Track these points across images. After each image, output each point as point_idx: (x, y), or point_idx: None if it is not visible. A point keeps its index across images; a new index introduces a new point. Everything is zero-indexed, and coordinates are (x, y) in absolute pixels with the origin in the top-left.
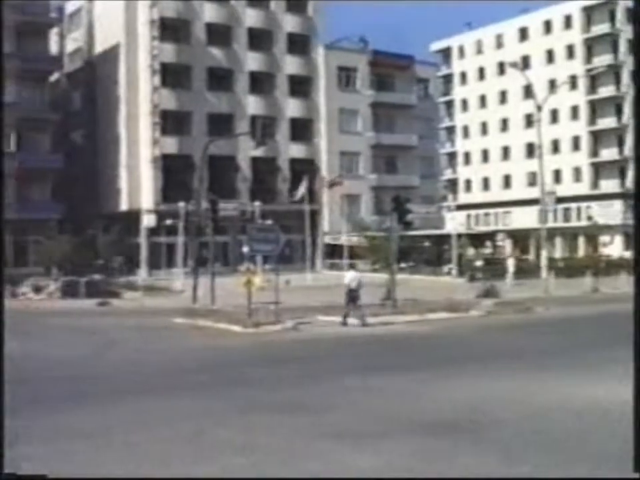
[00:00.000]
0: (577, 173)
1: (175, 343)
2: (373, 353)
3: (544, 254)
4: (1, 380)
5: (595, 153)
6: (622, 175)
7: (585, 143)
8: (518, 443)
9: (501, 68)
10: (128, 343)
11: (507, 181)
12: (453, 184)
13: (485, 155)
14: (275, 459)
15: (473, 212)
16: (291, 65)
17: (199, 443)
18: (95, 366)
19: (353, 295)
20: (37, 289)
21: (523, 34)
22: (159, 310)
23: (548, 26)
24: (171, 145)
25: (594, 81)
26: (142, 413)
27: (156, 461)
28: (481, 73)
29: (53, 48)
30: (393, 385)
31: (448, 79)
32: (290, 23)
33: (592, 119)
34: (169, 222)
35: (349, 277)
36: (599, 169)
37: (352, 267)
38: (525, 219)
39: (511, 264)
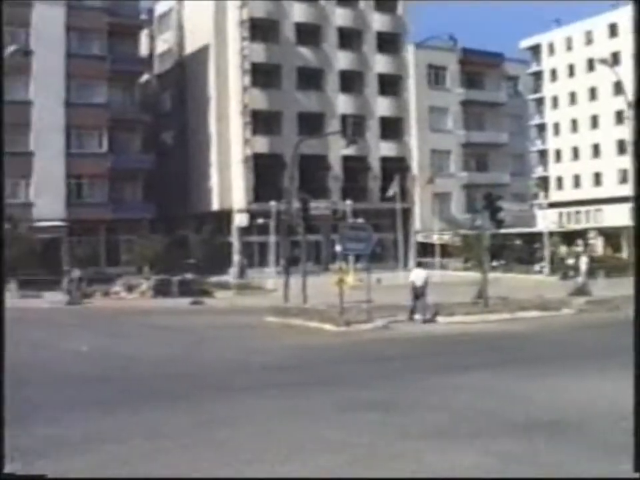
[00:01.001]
0: None
1: (267, 341)
2: (464, 351)
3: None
4: (2, 380)
5: None
6: None
7: None
8: (616, 442)
9: (591, 64)
10: (220, 342)
11: (597, 179)
12: (544, 181)
13: (576, 152)
14: (368, 457)
15: (564, 210)
16: (380, 63)
17: (291, 441)
18: (189, 364)
19: (418, 292)
20: (129, 288)
21: (613, 30)
22: (250, 309)
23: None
24: (261, 144)
25: None
26: (234, 410)
27: (246, 460)
28: (571, 70)
29: (143, 49)
30: (485, 384)
31: (538, 76)
32: (379, 22)
33: None
34: (260, 221)
35: (415, 274)
36: None
37: (419, 264)
38: (616, 216)
39: (583, 262)
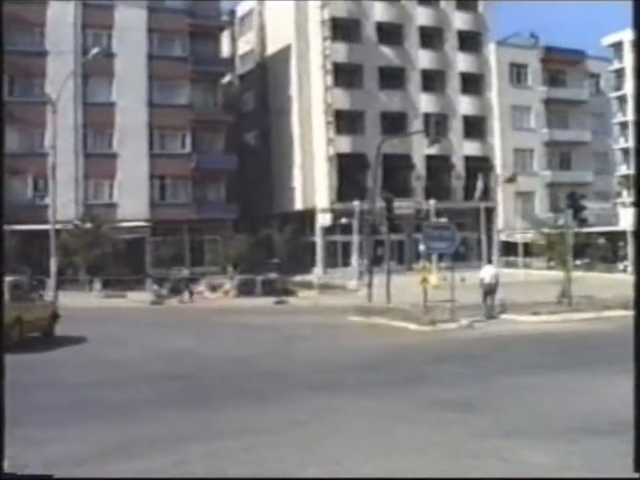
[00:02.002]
0: None
1: (350, 341)
2: (548, 350)
3: None
4: (2, 380)
5: None
6: None
7: None
8: None
9: None
10: (305, 341)
11: None
12: (627, 180)
13: None
14: (448, 457)
15: None
16: (462, 62)
17: (374, 441)
18: (274, 363)
19: (488, 289)
20: (213, 288)
21: None
22: (334, 308)
23: None
24: (344, 144)
25: None
26: (318, 410)
27: (329, 459)
28: None
29: (225, 51)
30: (569, 384)
31: (620, 73)
32: (460, 21)
33: None
34: (343, 220)
35: (485, 271)
36: None
37: (489, 261)
38: None
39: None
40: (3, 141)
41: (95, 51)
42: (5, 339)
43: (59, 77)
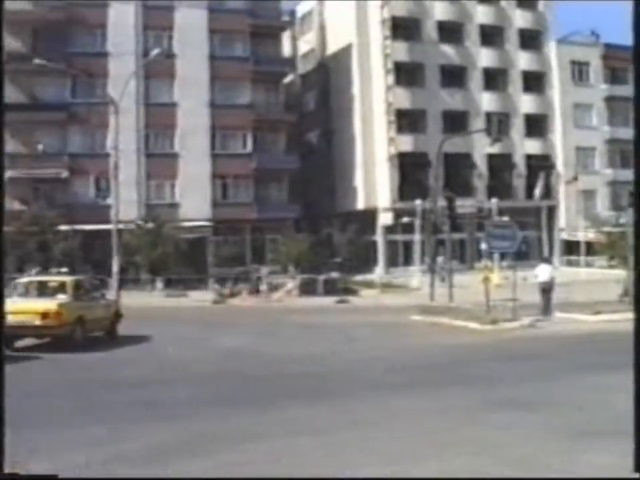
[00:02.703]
0: None
1: (412, 340)
2: (610, 349)
3: None
4: (2, 380)
5: None
6: None
7: None
8: None
9: None
10: (367, 341)
11: None
12: None
13: None
14: (511, 457)
15: None
16: (523, 60)
17: (435, 441)
18: (335, 363)
19: (544, 288)
20: (275, 287)
21: None
22: (396, 307)
23: None
24: (406, 143)
25: None
26: (378, 409)
27: (387, 459)
28: None
29: (286, 50)
30: (631, 384)
31: None
32: (521, 19)
33: None
34: (405, 220)
35: (540, 269)
36: None
37: (545, 260)
38: None
39: None
40: (3, 140)
41: (156, 52)
42: (67, 338)
43: (121, 78)
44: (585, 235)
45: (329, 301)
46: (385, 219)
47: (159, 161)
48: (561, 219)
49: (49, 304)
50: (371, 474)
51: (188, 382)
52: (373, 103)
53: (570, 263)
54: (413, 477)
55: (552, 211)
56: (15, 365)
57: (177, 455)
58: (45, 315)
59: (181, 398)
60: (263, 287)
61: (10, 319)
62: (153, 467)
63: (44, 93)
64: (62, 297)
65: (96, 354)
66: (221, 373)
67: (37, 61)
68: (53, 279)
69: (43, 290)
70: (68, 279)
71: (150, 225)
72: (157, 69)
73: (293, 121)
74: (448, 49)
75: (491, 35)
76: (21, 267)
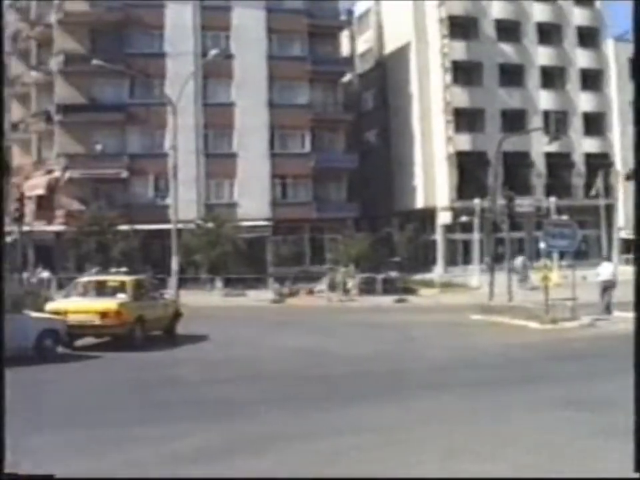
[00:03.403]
0: None
1: (471, 339)
2: None
3: None
4: (2, 379)
5: None
6: None
7: None
8: None
9: None
10: (426, 340)
11: None
12: None
13: None
14: (564, 456)
15: None
16: (581, 58)
17: (489, 440)
18: (394, 362)
19: (605, 286)
20: (334, 287)
21: None
22: (455, 306)
23: None
24: (464, 141)
25: None
26: (435, 408)
27: (442, 458)
28: None
29: (344, 50)
30: None
31: None
32: (579, 16)
33: None
34: (464, 219)
35: (602, 267)
36: None
37: (607, 258)
38: None
39: None
40: (3, 140)
41: (213, 52)
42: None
43: (179, 78)
44: None
45: (388, 300)
46: (443, 217)
47: (218, 160)
48: (620, 218)
49: (108, 303)
50: (432, 471)
51: (248, 381)
52: (431, 102)
53: (628, 262)
54: (472, 475)
55: (611, 210)
56: (75, 364)
57: (239, 454)
58: (104, 315)
59: (243, 397)
60: (322, 287)
61: (70, 318)
62: (213, 466)
63: (102, 94)
64: (122, 297)
65: (155, 353)
66: (280, 372)
67: (95, 62)
68: (112, 279)
69: (102, 289)
70: (127, 278)
71: (209, 225)
72: (214, 69)
73: (351, 120)
74: (505, 48)
75: (548, 33)
76: (80, 266)
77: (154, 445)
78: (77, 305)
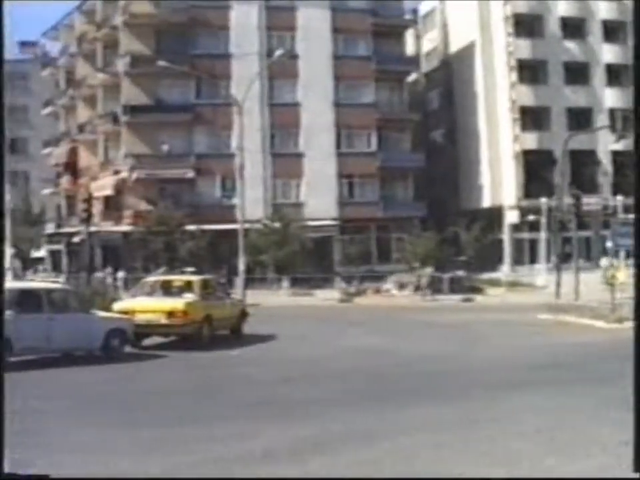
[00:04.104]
0: None
1: (539, 338)
2: None
3: None
4: (2, 379)
5: None
6: None
7: None
8: None
9: None
10: (493, 339)
11: None
12: None
13: None
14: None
15: None
16: None
17: (557, 440)
18: (461, 362)
19: None
20: (401, 286)
21: None
22: (522, 306)
23: None
24: (530, 140)
25: None
26: (499, 408)
27: (510, 458)
28: None
29: (410, 49)
30: None
31: None
32: None
33: None
34: (531, 218)
35: None
36: None
37: None
38: None
39: None
40: (4, 139)
41: (279, 52)
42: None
43: (244, 78)
44: None
45: (455, 299)
46: (510, 216)
47: (284, 160)
48: None
49: (175, 303)
50: (481, 474)
51: (315, 380)
52: (496, 101)
53: None
54: (541, 476)
55: None
56: (143, 363)
57: (306, 454)
58: (171, 314)
59: (309, 396)
60: (389, 286)
61: (137, 318)
62: (287, 465)
63: (168, 95)
64: (189, 296)
65: (222, 352)
66: (347, 371)
67: (160, 63)
68: (179, 278)
69: (169, 289)
70: (195, 278)
71: (276, 225)
72: (280, 69)
73: (417, 119)
74: (571, 45)
75: (614, 31)
76: (147, 266)
77: (229, 444)
78: (144, 305)
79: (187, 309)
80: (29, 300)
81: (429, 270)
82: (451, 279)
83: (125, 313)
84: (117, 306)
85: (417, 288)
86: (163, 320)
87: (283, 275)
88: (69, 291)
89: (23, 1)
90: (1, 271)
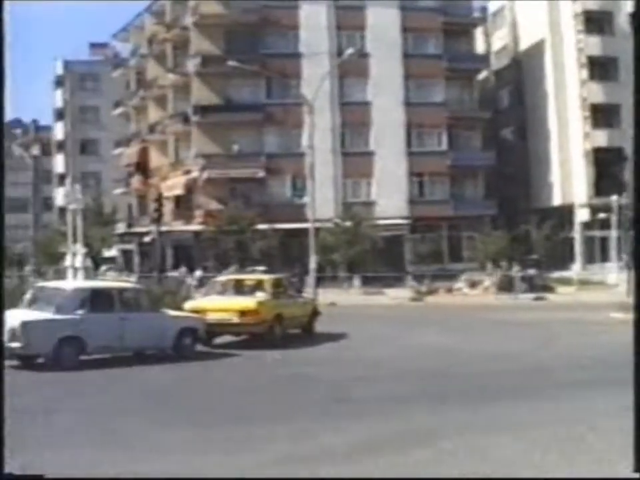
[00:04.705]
0: None
1: (609, 337)
2: None
3: None
4: (2, 379)
5: None
6: None
7: None
8: None
9: None
10: (565, 338)
11: None
12: None
13: None
14: None
15: None
16: None
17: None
18: (534, 360)
19: None
20: (472, 284)
21: None
22: (593, 304)
23: None
24: (601, 138)
25: None
26: (579, 408)
27: (589, 458)
28: None
29: (479, 47)
30: None
31: None
32: None
33: None
34: (601, 216)
35: None
36: None
37: None
38: None
39: None
40: (3, 139)
41: (349, 51)
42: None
43: (314, 78)
44: None
45: (526, 298)
46: (581, 215)
47: (355, 159)
48: None
49: (247, 302)
50: (537, 474)
51: (386, 380)
52: (567, 99)
53: None
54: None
55: None
56: (215, 362)
57: (377, 452)
58: (243, 313)
59: (380, 395)
60: (460, 285)
61: (209, 317)
62: (371, 462)
63: (238, 95)
64: (260, 295)
65: (294, 351)
66: (419, 370)
67: (230, 63)
68: (250, 277)
69: (240, 288)
70: (266, 277)
71: (347, 224)
72: (350, 68)
73: (488, 117)
74: None
75: None
76: (218, 265)
77: (288, 443)
78: (215, 304)
79: (258, 308)
80: (101, 299)
81: (500, 269)
82: (522, 277)
83: (197, 312)
84: (188, 305)
85: (489, 287)
86: (235, 319)
87: (354, 273)
88: (141, 290)
89: (25, 0)
90: (0, 271)
